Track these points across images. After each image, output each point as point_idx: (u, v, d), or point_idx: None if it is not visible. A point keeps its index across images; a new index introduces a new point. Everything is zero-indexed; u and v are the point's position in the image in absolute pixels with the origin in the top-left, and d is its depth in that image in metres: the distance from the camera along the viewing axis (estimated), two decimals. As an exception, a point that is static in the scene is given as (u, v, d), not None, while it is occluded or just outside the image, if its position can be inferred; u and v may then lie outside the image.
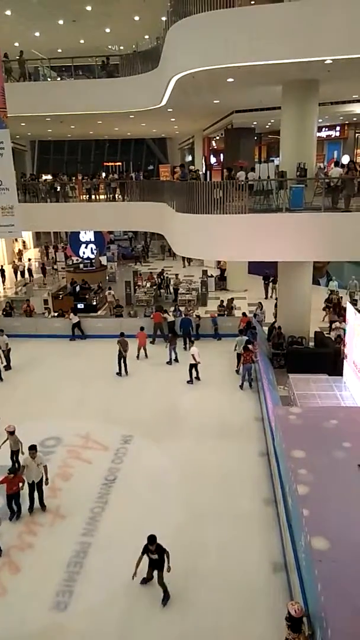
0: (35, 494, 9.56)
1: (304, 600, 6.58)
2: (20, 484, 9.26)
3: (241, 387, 14.74)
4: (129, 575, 7.99)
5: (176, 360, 16.54)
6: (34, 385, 15.17)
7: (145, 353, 17.15)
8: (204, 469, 10.82)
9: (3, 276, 28.90)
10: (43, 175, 33.70)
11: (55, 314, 21.23)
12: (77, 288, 24.02)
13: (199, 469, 10.82)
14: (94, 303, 22.82)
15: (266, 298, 23.08)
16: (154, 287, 24.90)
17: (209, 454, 11.37)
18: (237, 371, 15.46)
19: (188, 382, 14.79)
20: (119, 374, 15.65)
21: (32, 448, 9.51)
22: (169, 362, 16.52)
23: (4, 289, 27.66)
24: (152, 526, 9.04)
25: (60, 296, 23.06)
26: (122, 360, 15.64)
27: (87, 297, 23.01)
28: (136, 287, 24.79)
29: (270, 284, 23.16)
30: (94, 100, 20.20)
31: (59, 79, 22.50)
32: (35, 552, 8.58)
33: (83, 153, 42.94)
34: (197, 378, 14.96)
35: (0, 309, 21.59)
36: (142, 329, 17.20)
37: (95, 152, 42.77)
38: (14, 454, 10.65)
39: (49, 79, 21.88)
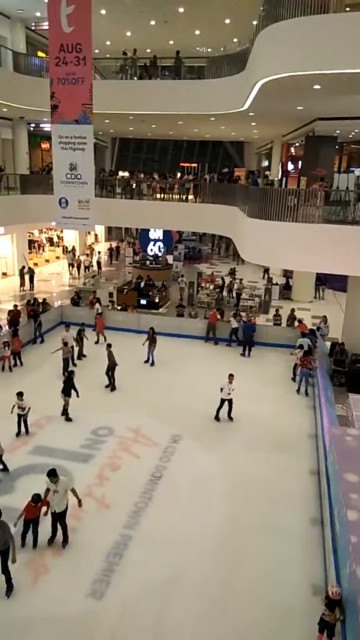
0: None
1: (342, 627, 6.37)
2: (44, 509, 8.37)
3: (297, 391, 14.81)
4: (165, 574, 8.08)
5: (152, 363, 16.30)
6: (91, 375, 15.52)
7: (104, 337, 17.81)
8: (251, 480, 10.65)
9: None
10: (120, 172, 34.54)
11: (119, 308, 21.71)
12: (142, 284, 24.41)
13: (246, 479, 10.67)
14: (157, 300, 23.10)
15: (315, 297, 25.23)
16: (217, 290, 24.84)
17: (257, 465, 11.18)
18: (294, 379, 15.50)
19: (215, 418, 12.99)
20: (108, 386, 14.54)
21: (51, 474, 8.25)
22: (147, 361, 16.35)
23: (77, 279, 28.55)
24: (192, 530, 9.09)
25: (125, 291, 23.51)
26: (110, 373, 14.56)
27: (150, 294, 23.32)
28: (199, 289, 24.85)
29: (322, 286, 25.20)
30: (178, 100, 20.44)
31: (146, 77, 22.88)
32: (78, 537, 8.77)
33: (161, 152, 43.57)
34: (230, 417, 13.00)
35: (69, 298, 22.41)
36: (100, 314, 18.53)
37: (173, 152, 43.24)
38: None
39: (135, 78, 22.36)
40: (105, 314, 20.22)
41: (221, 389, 12.70)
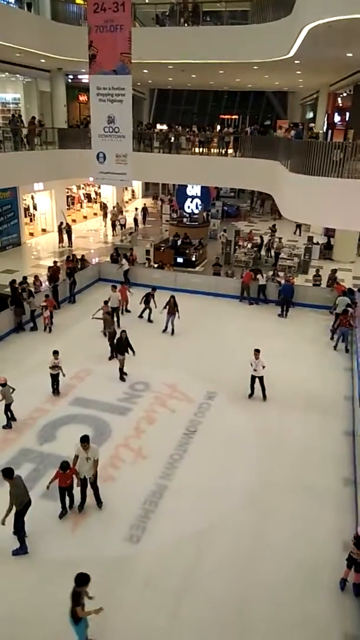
0: (90, 491, 8.59)
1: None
2: (75, 479, 8.36)
3: (335, 347, 14.89)
4: (198, 524, 8.40)
5: (172, 332, 15.55)
6: (133, 335, 15.39)
7: (126, 308, 16.95)
8: (285, 438, 10.77)
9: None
10: (158, 124, 33.67)
11: (156, 265, 21.71)
12: (179, 242, 24.22)
13: (280, 437, 10.79)
14: (193, 259, 22.92)
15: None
16: (255, 249, 24.41)
17: (291, 425, 11.27)
18: (332, 336, 15.52)
19: (249, 397, 12.25)
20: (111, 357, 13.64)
21: (84, 440, 8.25)
22: (164, 330, 15.62)
23: (114, 236, 28.53)
24: (225, 484, 9.33)
25: (162, 248, 23.41)
26: (112, 341, 13.74)
27: (187, 252, 23.14)
28: (236, 247, 24.50)
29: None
30: (219, 48, 19.51)
31: (185, 24, 21.89)
32: (116, 485, 9.17)
33: (200, 104, 42.07)
34: (264, 396, 12.13)
35: (107, 255, 22.52)
36: (122, 283, 17.41)
37: (213, 104, 41.70)
38: (7, 407, 10.56)
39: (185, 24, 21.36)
40: (141, 271, 20.26)
41: (251, 364, 11.97)
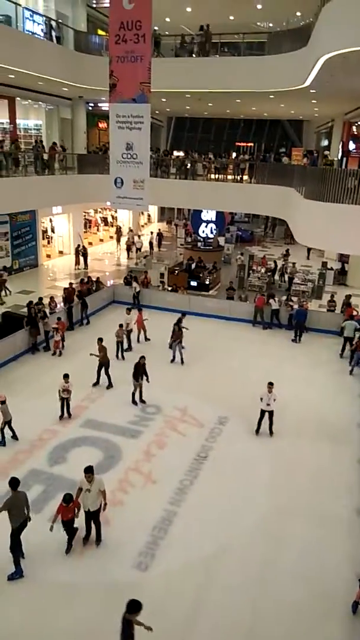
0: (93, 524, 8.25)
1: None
2: (76, 510, 7.96)
3: (351, 372, 14.91)
4: (208, 550, 8.23)
5: (181, 361, 15.10)
6: (151, 358, 14.34)
7: (145, 336, 16.59)
8: (297, 465, 10.59)
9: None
10: (175, 151, 34.29)
11: (169, 288, 21.83)
12: (193, 266, 24.38)
13: (292, 464, 10.62)
14: (207, 282, 23.02)
15: None
16: (268, 274, 24.44)
17: (304, 451, 11.09)
18: (342, 355, 15.80)
19: (256, 432, 11.67)
20: (95, 384, 13.48)
21: (88, 471, 7.91)
22: (172, 360, 15.17)
23: (128, 259, 28.78)
24: (236, 510, 9.16)
25: (176, 272, 23.57)
26: (101, 369, 13.44)
27: (201, 275, 23.26)
28: (250, 272, 24.58)
29: None
30: (236, 78, 19.98)
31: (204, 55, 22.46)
32: (125, 510, 9.05)
33: (217, 132, 42.80)
34: (270, 432, 11.61)
35: (121, 277, 22.71)
36: (136, 308, 16.65)
37: (229, 132, 42.40)
38: (4, 425, 10.55)
39: (194, 55, 21.97)
40: (155, 294, 20.38)
41: (261, 399, 11.36)
